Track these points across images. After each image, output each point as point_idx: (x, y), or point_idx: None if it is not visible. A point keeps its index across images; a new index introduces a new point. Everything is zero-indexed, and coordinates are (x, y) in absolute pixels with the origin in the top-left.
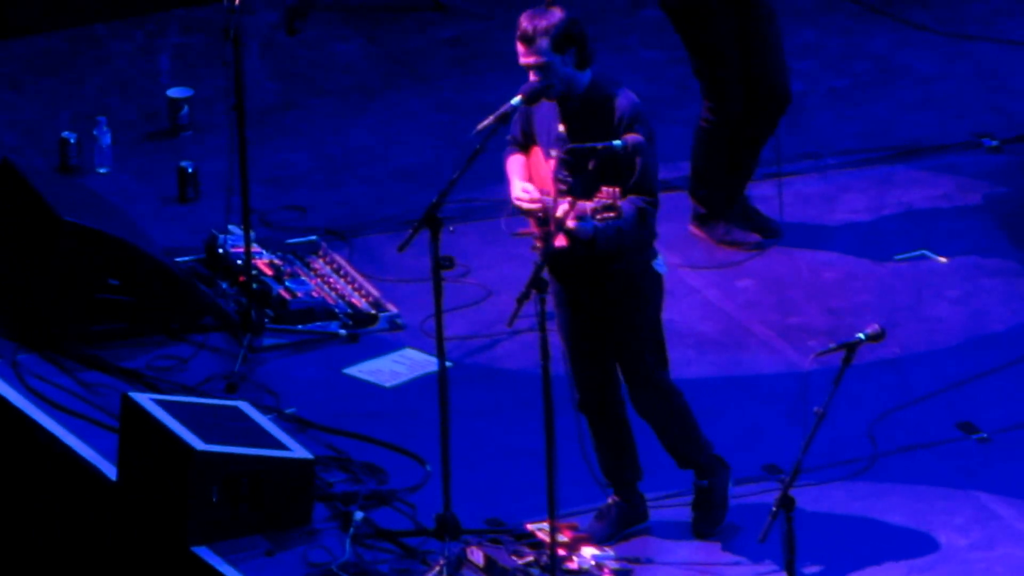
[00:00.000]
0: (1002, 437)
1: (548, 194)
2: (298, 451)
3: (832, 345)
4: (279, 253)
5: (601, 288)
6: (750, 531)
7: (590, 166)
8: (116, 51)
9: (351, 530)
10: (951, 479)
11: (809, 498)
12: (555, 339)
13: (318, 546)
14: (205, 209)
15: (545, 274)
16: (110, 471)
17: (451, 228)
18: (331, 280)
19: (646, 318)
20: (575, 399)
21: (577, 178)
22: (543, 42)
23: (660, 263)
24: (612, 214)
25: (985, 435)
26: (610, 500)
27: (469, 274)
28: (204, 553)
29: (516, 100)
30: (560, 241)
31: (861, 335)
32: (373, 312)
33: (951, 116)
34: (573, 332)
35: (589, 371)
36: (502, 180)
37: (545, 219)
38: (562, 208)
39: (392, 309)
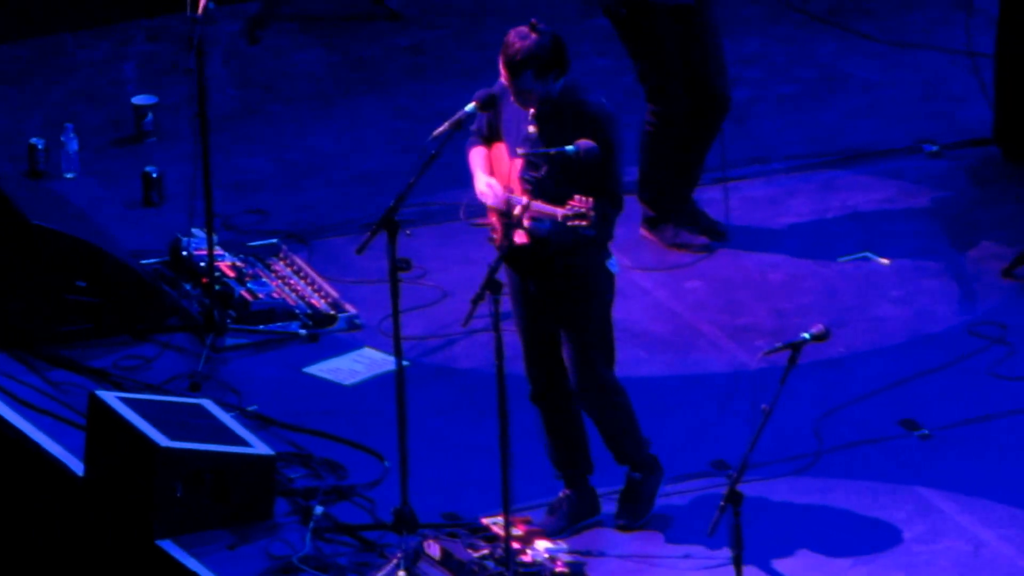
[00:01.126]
0: (943, 434)
1: (510, 191)
2: (260, 447)
3: (778, 345)
4: (241, 256)
5: (554, 283)
6: (699, 525)
7: (542, 172)
8: (83, 60)
9: (311, 524)
10: (894, 474)
11: (756, 493)
12: (511, 337)
13: (279, 540)
14: (169, 213)
15: (502, 269)
16: (77, 467)
17: (408, 231)
18: (291, 282)
19: (595, 315)
20: (529, 392)
21: (541, 178)
22: (527, 74)
23: (613, 263)
24: (584, 222)
25: (927, 432)
26: (562, 494)
27: (426, 276)
28: (169, 547)
29: (470, 107)
30: (520, 237)
31: (806, 335)
32: (332, 313)
33: (893, 122)
34: (527, 325)
35: (542, 364)
36: (458, 184)
37: (506, 214)
38: (519, 206)
39: (351, 310)
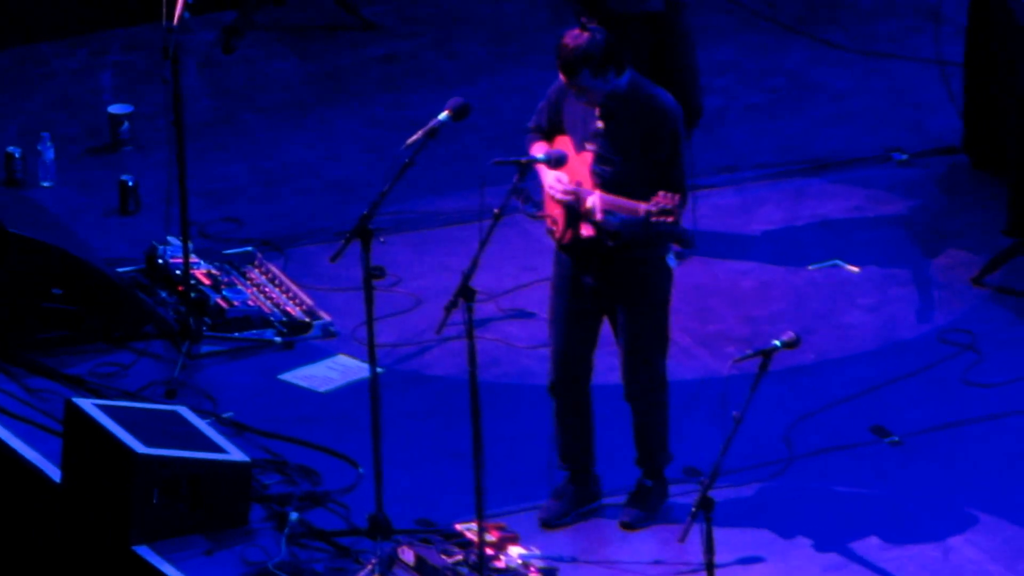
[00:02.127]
0: (913, 440)
1: (581, 185)
2: (235, 454)
3: (749, 352)
4: (216, 263)
5: (613, 277)
6: (671, 531)
7: (515, 180)
8: (60, 69)
9: (286, 530)
10: (865, 481)
11: (728, 500)
12: (484, 344)
13: (255, 545)
14: (145, 221)
15: (556, 259)
16: (54, 473)
17: (382, 239)
18: (267, 289)
19: (654, 310)
20: (550, 380)
21: (613, 172)
22: (584, 73)
23: (672, 258)
24: (670, 218)
25: (897, 438)
26: (565, 481)
27: (399, 283)
28: (145, 552)
29: (444, 116)
30: (587, 230)
31: (777, 342)
32: (307, 320)
33: (863, 131)
34: (569, 315)
35: (573, 356)
36: (432, 192)
37: (573, 207)
38: (592, 200)
39: (325, 317)
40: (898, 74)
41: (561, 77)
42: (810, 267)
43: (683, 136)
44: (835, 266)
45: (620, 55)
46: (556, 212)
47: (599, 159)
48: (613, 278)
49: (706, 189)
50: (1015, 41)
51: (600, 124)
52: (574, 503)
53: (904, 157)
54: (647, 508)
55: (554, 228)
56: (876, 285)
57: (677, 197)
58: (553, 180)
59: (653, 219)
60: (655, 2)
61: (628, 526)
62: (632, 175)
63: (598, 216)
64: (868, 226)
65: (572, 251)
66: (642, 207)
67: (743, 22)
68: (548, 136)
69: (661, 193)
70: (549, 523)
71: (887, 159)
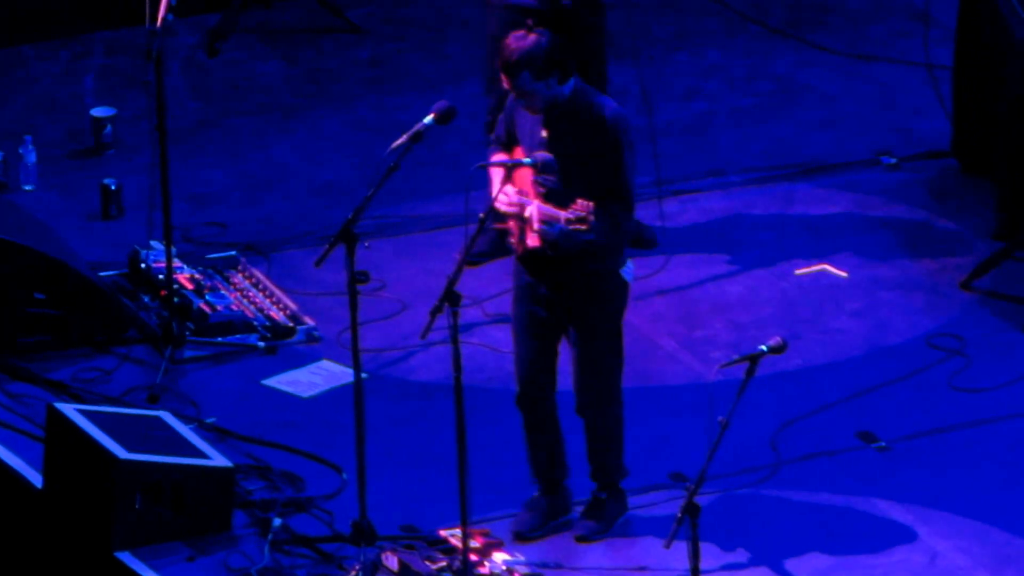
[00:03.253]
0: (900, 446)
1: (525, 194)
2: (218, 459)
3: (736, 357)
4: (200, 268)
5: (567, 288)
6: (657, 537)
7: (555, 176)
8: (42, 72)
9: (270, 536)
10: (851, 487)
11: (714, 505)
12: (469, 349)
13: (238, 552)
14: (128, 225)
15: (513, 270)
16: (36, 479)
17: (367, 243)
18: (250, 294)
19: (609, 320)
20: (515, 393)
21: (556, 181)
22: (525, 75)
23: (628, 270)
24: (583, 227)
25: (884, 444)
26: (537, 493)
27: (384, 288)
28: (127, 558)
29: (429, 119)
30: (533, 240)
31: (764, 347)
32: (291, 325)
33: (852, 135)
34: (529, 328)
35: (536, 368)
36: (416, 196)
37: (523, 219)
38: (530, 210)
39: (309, 322)
40: (887, 78)
41: (502, 76)
42: (797, 272)
43: (627, 144)
44: (823, 271)
45: (565, 61)
46: (513, 224)
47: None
48: (566, 289)
49: (694, 193)
50: (1004, 45)
51: (544, 133)
52: (546, 516)
53: (893, 161)
54: (602, 520)
55: (512, 240)
56: (864, 290)
57: (591, 205)
58: (498, 191)
59: (571, 227)
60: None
61: (583, 539)
62: (575, 184)
63: (536, 226)
64: (856, 230)
65: (527, 262)
66: (562, 215)
67: (731, 25)
68: (507, 147)
69: (579, 201)
70: (521, 536)
71: (876, 163)
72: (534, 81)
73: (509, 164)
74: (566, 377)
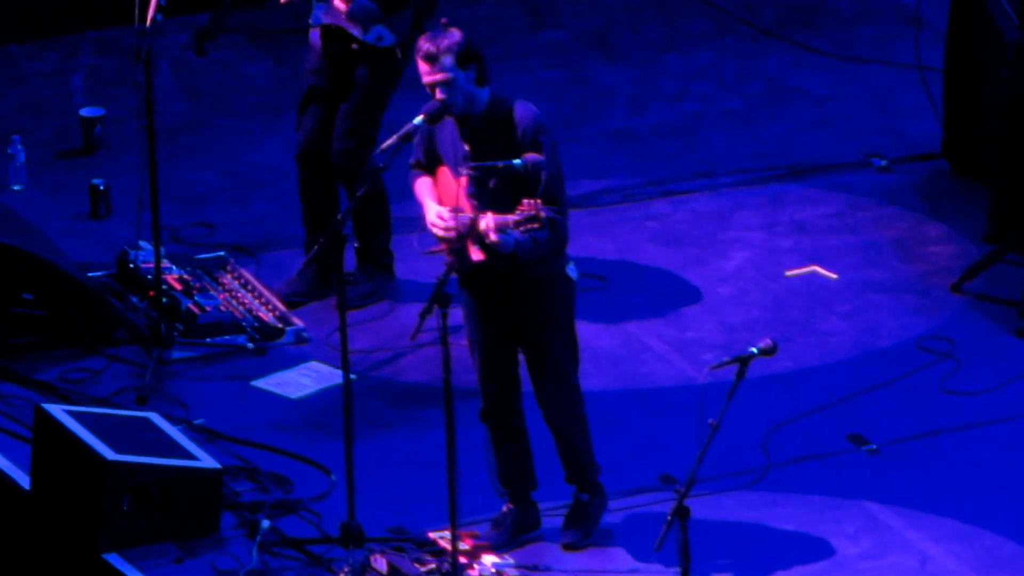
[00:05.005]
0: (891, 449)
1: (462, 211)
2: (207, 461)
3: (726, 359)
4: (188, 268)
5: (517, 296)
6: (647, 539)
7: (491, 184)
8: (31, 71)
9: (258, 538)
10: (842, 489)
11: (704, 507)
12: (459, 351)
13: (226, 553)
14: (117, 225)
15: (455, 287)
16: (24, 480)
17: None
18: (239, 295)
19: (561, 321)
20: (480, 408)
21: (488, 193)
22: (447, 59)
23: (572, 269)
24: (536, 225)
25: (875, 447)
26: (505, 508)
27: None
28: (115, 560)
29: (418, 119)
30: (477, 255)
31: (754, 349)
32: (280, 326)
33: (843, 136)
34: (484, 342)
35: (497, 380)
36: (405, 197)
37: (460, 237)
38: (484, 222)
39: (298, 323)
40: (878, 79)
41: (422, 69)
42: (788, 273)
43: (548, 144)
44: (813, 273)
45: (484, 60)
46: (447, 246)
47: (473, 182)
48: (515, 300)
49: (684, 194)
50: (995, 47)
51: (466, 147)
52: (515, 531)
53: (884, 163)
54: (587, 524)
55: (451, 260)
56: (854, 292)
57: (539, 202)
58: (434, 216)
59: (522, 228)
60: None
61: (571, 547)
62: (503, 193)
63: (493, 237)
64: (846, 232)
65: (470, 281)
66: (510, 219)
67: (721, 26)
68: (429, 169)
69: (524, 201)
70: (491, 551)
71: (867, 165)
72: (456, 67)
73: (500, 166)
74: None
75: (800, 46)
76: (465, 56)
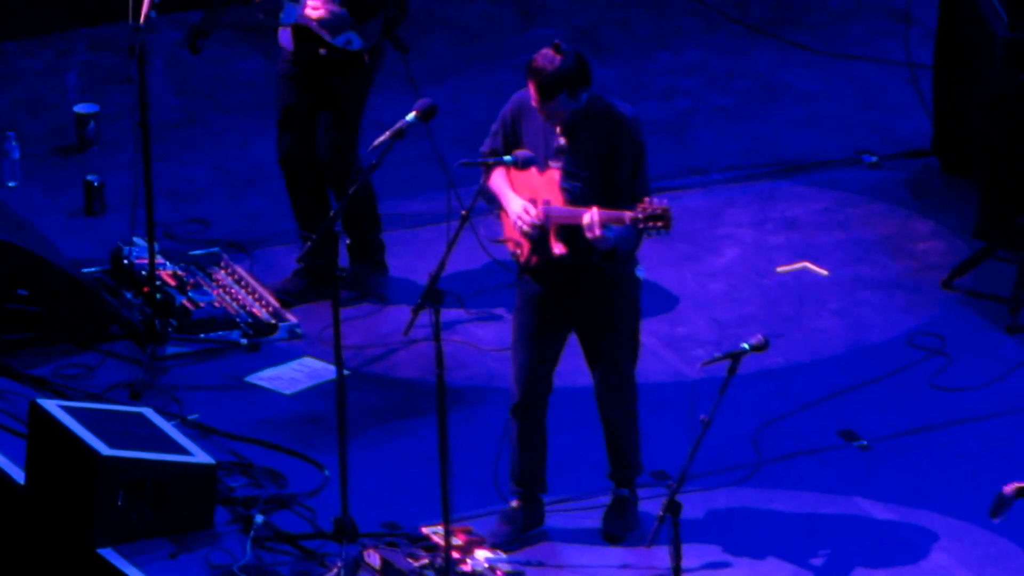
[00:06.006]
0: (881, 444)
1: (543, 203)
2: (201, 456)
3: (718, 355)
4: (182, 264)
5: (588, 291)
6: (639, 535)
7: (483, 182)
8: (25, 68)
9: (252, 533)
10: (833, 485)
11: (696, 503)
12: (451, 347)
13: (220, 548)
14: (111, 222)
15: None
16: (18, 475)
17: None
18: (232, 291)
19: (628, 318)
20: (514, 402)
21: (581, 187)
22: (561, 97)
23: (641, 270)
24: (660, 223)
25: (865, 442)
26: (515, 504)
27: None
28: (110, 555)
29: (411, 117)
30: (559, 248)
31: (746, 345)
32: (273, 322)
33: (832, 133)
34: (537, 336)
35: (538, 376)
36: (397, 194)
37: (543, 230)
38: (589, 216)
39: (291, 319)
40: (868, 76)
41: (532, 99)
42: (779, 270)
43: (643, 145)
44: (804, 269)
45: (589, 75)
46: (520, 235)
47: (567, 175)
48: (585, 296)
49: (674, 191)
50: (984, 44)
51: (563, 140)
52: (521, 528)
53: (874, 159)
54: (630, 518)
55: (518, 251)
56: (845, 288)
57: (664, 200)
58: (520, 209)
59: (641, 226)
60: None
61: (614, 537)
62: (598, 188)
63: (597, 232)
64: (837, 229)
65: (539, 272)
66: (627, 215)
67: (711, 24)
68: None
69: (647, 199)
70: (497, 547)
71: (857, 161)
72: (568, 100)
73: (491, 162)
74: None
75: (790, 43)
76: (577, 87)
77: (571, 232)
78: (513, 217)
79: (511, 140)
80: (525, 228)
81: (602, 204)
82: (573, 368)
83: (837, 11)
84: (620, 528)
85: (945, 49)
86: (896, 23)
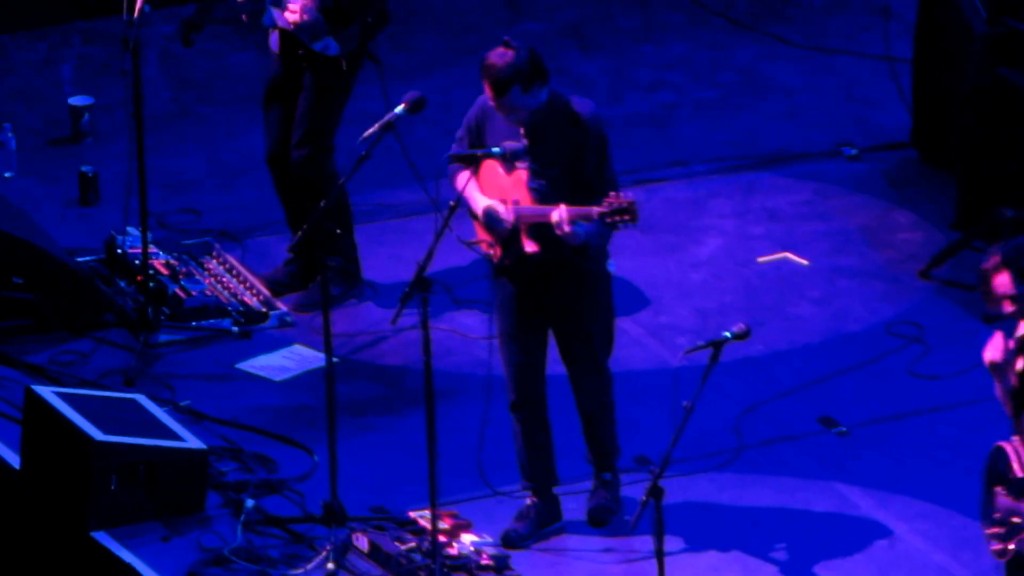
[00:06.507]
0: (860, 431)
1: (512, 203)
2: (192, 442)
3: (700, 343)
4: (175, 254)
5: (560, 287)
6: (622, 519)
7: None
8: (21, 61)
9: (242, 517)
10: (812, 471)
11: (678, 488)
12: (438, 335)
13: (211, 532)
14: (105, 212)
15: (497, 282)
16: (14, 460)
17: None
18: (224, 280)
19: (602, 315)
20: (511, 400)
21: (548, 185)
22: (515, 90)
23: (612, 264)
24: (627, 216)
25: (844, 429)
26: (529, 501)
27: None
28: (103, 538)
29: (399, 109)
30: (531, 246)
31: (728, 333)
32: (264, 310)
33: (813, 126)
34: (520, 334)
35: (530, 374)
36: (387, 186)
37: (513, 229)
38: (557, 214)
39: (282, 307)
40: (848, 70)
41: (489, 97)
42: (760, 260)
43: (606, 139)
44: (785, 259)
45: (544, 69)
46: (490, 236)
47: (533, 175)
48: (560, 293)
49: (658, 183)
50: (963, 38)
51: (526, 141)
52: (537, 524)
53: (854, 152)
54: (613, 502)
55: (492, 252)
56: (825, 278)
57: (630, 195)
58: (489, 209)
59: (608, 220)
60: None
61: (598, 521)
62: (565, 185)
63: (566, 228)
64: (817, 220)
65: (511, 272)
66: (595, 210)
67: (695, 18)
68: (468, 163)
69: (612, 194)
70: (512, 544)
71: (837, 154)
72: (522, 95)
73: (479, 154)
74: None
75: (772, 37)
76: (531, 82)
77: (542, 230)
78: (482, 218)
79: (476, 144)
80: (494, 225)
81: (570, 201)
82: (552, 355)
83: (819, 6)
84: (606, 513)
85: (924, 43)
86: (876, 18)
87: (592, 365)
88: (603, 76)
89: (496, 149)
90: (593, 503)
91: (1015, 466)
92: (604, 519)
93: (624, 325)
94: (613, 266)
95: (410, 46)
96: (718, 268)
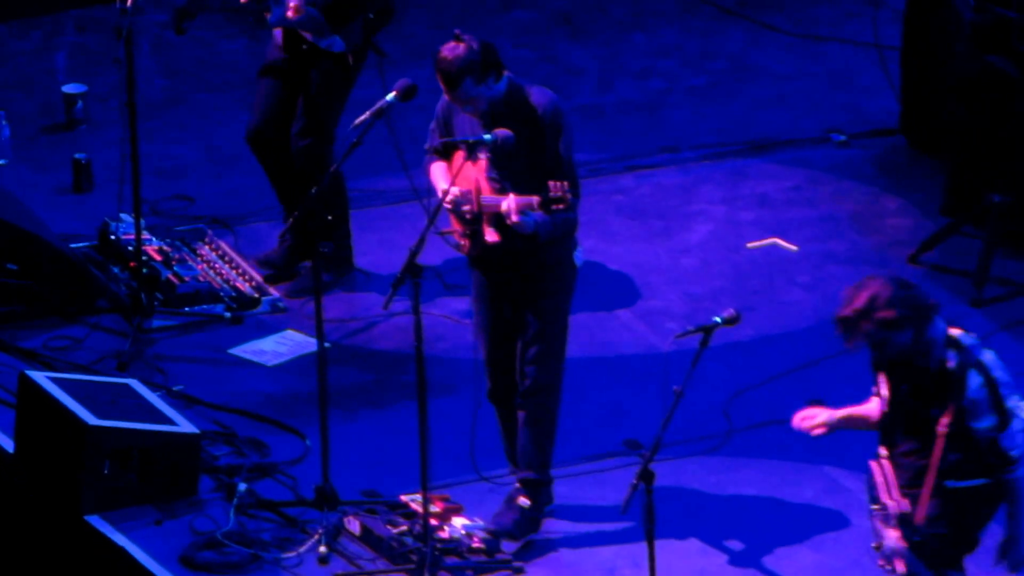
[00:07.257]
0: None
1: (475, 194)
2: (185, 426)
3: (690, 328)
4: (168, 240)
5: (523, 277)
6: (612, 503)
7: (464, 158)
8: (15, 49)
9: (235, 500)
10: (802, 454)
11: (668, 472)
12: (430, 320)
13: (204, 515)
14: (98, 198)
15: (471, 272)
16: (8, 444)
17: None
18: (217, 265)
19: (559, 309)
20: (487, 389)
21: (508, 175)
22: (467, 82)
23: (579, 255)
24: (562, 205)
25: None
26: (517, 485)
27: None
28: (96, 522)
29: (391, 96)
30: (492, 236)
31: (717, 318)
32: (256, 296)
33: (803, 112)
34: (493, 322)
35: (504, 363)
36: (378, 173)
37: (475, 219)
38: (506, 203)
39: (274, 293)
40: (837, 57)
41: (443, 87)
42: (749, 245)
43: (566, 128)
44: (774, 244)
45: (497, 60)
46: (461, 226)
47: (492, 164)
48: (523, 280)
49: (648, 169)
50: (951, 26)
51: (485, 133)
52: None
53: (843, 138)
54: (526, 523)
55: (462, 243)
56: (814, 263)
57: (566, 184)
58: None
59: (550, 208)
60: None
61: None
62: (525, 175)
63: (514, 218)
64: (806, 205)
65: (481, 261)
66: (535, 200)
67: (685, 5)
68: (445, 154)
69: (550, 183)
70: (498, 534)
71: (826, 140)
72: (476, 86)
73: (471, 140)
74: None
75: (761, 25)
76: (482, 72)
77: (502, 220)
78: (446, 205)
79: (445, 136)
80: (448, 207)
81: (531, 191)
82: None
83: None
84: (503, 532)
85: (913, 31)
86: (865, 5)
87: (547, 362)
88: (594, 63)
89: (487, 136)
90: (496, 523)
91: (882, 495)
92: (494, 547)
93: (615, 310)
94: (580, 257)
95: (401, 34)
96: (708, 253)
